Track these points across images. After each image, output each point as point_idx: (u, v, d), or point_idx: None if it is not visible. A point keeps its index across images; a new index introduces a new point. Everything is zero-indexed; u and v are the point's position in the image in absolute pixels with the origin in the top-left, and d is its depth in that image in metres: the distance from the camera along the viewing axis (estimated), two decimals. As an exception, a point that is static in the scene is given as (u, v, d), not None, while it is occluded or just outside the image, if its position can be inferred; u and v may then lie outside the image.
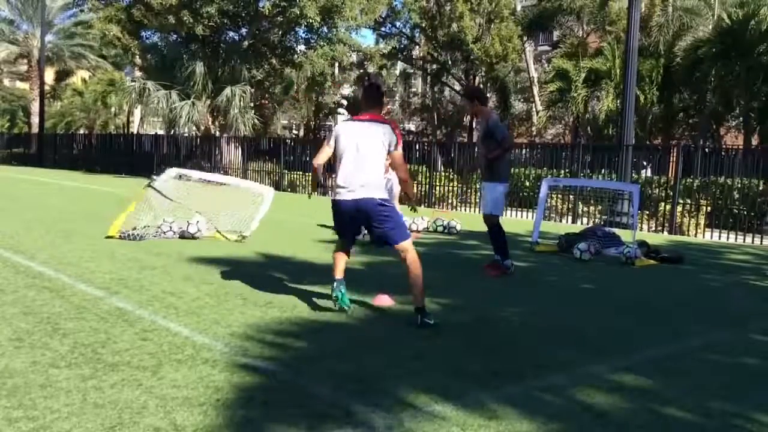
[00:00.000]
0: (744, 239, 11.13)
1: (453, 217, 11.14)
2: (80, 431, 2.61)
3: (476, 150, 6.90)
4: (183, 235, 7.85)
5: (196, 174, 8.53)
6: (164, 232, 7.64)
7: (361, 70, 33.72)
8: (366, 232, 4.89)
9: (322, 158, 4.70)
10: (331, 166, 4.74)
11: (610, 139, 22.98)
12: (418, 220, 10.17)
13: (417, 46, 34.11)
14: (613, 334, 4.48)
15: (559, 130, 32.94)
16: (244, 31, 23.66)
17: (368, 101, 4.72)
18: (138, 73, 27.82)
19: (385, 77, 37.72)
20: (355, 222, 4.58)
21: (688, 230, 12.03)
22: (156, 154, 23.95)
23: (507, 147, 6.66)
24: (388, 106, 44.40)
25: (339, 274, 4.64)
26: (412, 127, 43.71)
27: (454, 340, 4.13)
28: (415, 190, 4.97)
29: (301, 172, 19.78)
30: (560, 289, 6.17)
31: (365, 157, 4.42)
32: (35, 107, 35.16)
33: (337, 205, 4.53)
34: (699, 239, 11.48)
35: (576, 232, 8.73)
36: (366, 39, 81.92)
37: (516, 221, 12.98)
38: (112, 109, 41.68)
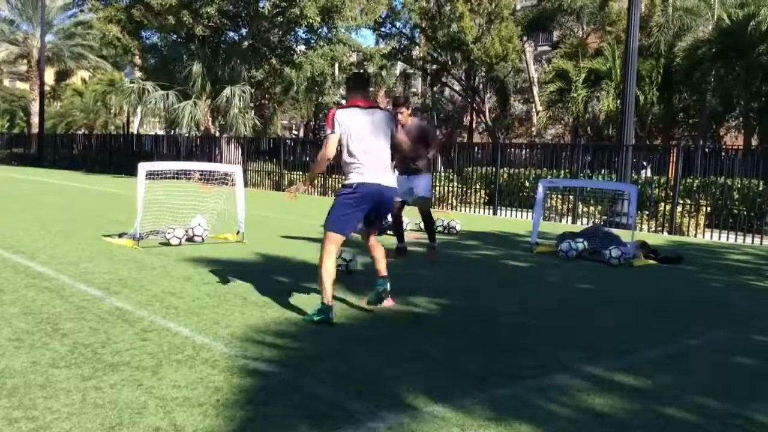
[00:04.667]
0: (744, 239, 11.14)
1: (453, 217, 11.14)
2: (80, 431, 2.61)
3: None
4: (191, 239, 7.76)
5: (164, 165, 8.44)
6: (168, 240, 7.53)
7: (361, 70, 33.69)
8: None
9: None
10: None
11: (610, 139, 22.99)
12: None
13: (417, 47, 34.12)
14: (613, 334, 4.48)
15: (559, 130, 32.96)
16: (244, 31, 23.69)
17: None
18: (138, 74, 27.84)
19: (385, 77, 37.74)
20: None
21: (688, 230, 12.03)
22: (156, 154, 23.96)
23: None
24: (389, 107, 44.36)
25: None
26: (412, 127, 43.63)
27: (454, 340, 4.13)
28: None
29: (300, 172, 19.79)
30: (560, 289, 6.17)
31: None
32: (35, 107, 35.17)
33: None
34: (699, 239, 11.48)
35: (574, 232, 8.72)
36: (366, 39, 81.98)
37: (516, 221, 12.99)
38: (112, 110, 41.69)
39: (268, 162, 21.35)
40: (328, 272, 4.41)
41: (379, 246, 4.84)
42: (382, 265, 4.75)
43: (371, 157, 4.49)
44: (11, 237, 7.61)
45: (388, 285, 4.77)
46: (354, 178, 4.47)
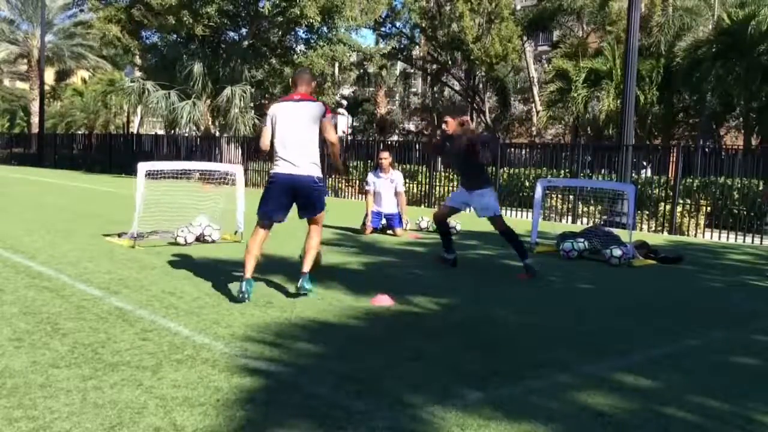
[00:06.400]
0: (744, 239, 11.13)
1: (453, 217, 11.11)
2: (80, 431, 2.61)
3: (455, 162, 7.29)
4: (199, 239, 7.73)
5: (164, 165, 8.48)
6: (175, 237, 7.51)
7: (361, 70, 33.69)
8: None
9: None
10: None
11: (610, 139, 23.00)
12: (421, 221, 10.21)
13: (417, 46, 34.12)
14: (613, 334, 4.48)
15: (559, 130, 32.97)
16: (244, 31, 23.68)
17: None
18: (138, 73, 27.82)
19: (385, 77, 37.70)
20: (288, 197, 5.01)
21: (688, 230, 12.03)
22: (156, 154, 23.94)
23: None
24: (389, 107, 44.37)
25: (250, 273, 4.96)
26: (412, 127, 43.71)
27: (454, 340, 4.13)
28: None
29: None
30: (560, 289, 6.17)
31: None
32: (35, 107, 35.18)
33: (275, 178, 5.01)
34: (699, 239, 11.47)
35: (574, 232, 8.72)
36: (366, 39, 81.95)
37: (516, 221, 12.98)
38: (112, 110, 41.69)
39: (268, 162, 21.33)
40: (249, 250, 4.95)
41: (314, 238, 5.05)
42: (309, 258, 5.01)
43: (287, 149, 4.91)
44: (11, 237, 7.61)
45: (309, 284, 4.91)
46: (273, 170, 5.01)
